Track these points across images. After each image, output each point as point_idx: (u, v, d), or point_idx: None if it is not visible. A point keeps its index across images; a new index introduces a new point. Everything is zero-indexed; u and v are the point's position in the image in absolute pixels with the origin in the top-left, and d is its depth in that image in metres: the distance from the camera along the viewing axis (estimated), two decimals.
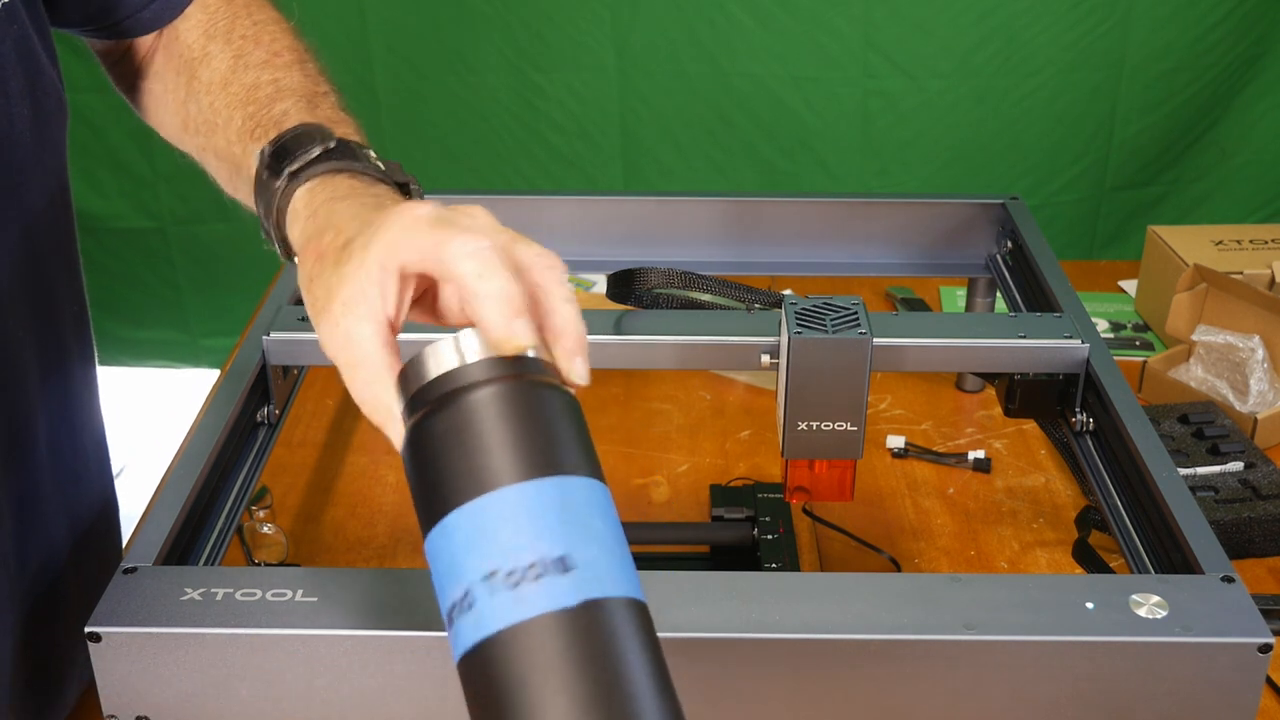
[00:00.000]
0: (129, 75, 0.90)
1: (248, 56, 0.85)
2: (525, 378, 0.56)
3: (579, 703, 0.49)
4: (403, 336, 0.63)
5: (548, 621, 0.51)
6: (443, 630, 0.63)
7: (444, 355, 0.57)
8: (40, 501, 0.84)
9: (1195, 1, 1.95)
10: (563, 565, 0.52)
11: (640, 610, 0.54)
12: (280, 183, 0.71)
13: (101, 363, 0.93)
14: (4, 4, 0.75)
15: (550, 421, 0.56)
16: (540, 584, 0.52)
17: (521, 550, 0.52)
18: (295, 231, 0.70)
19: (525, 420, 0.55)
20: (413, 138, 2.13)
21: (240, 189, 0.80)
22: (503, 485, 0.54)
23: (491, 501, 0.53)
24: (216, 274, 2.29)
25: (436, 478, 0.55)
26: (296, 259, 0.69)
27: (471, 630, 0.53)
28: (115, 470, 0.98)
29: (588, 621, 0.52)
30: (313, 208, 0.68)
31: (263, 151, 0.74)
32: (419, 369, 0.57)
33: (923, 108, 2.04)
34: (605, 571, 0.53)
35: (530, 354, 0.57)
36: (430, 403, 0.56)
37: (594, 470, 0.56)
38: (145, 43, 0.89)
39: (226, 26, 0.88)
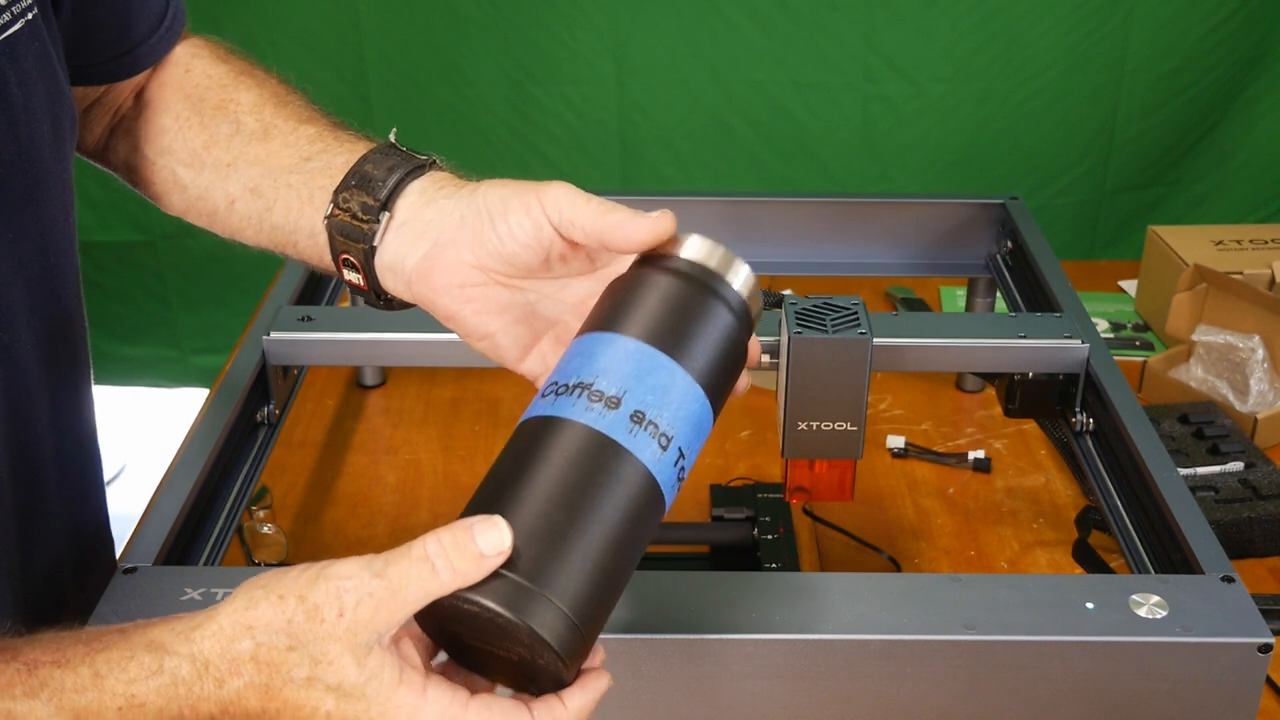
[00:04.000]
0: (102, 120, 0.90)
1: (278, 84, 0.89)
2: (720, 298, 0.67)
3: (554, 483, 0.60)
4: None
5: (582, 429, 0.61)
6: None
7: (700, 250, 0.68)
8: (45, 514, 0.84)
9: (1197, 3, 1.94)
10: (621, 407, 0.62)
11: (648, 484, 0.62)
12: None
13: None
14: (27, 20, 0.75)
15: (706, 334, 0.66)
16: (599, 407, 0.61)
17: (614, 382, 0.62)
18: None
19: (693, 321, 0.66)
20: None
21: (294, 182, 0.81)
22: (643, 340, 0.64)
23: (633, 345, 0.64)
24: (208, 289, 2.25)
25: (624, 307, 0.66)
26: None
27: (540, 407, 0.63)
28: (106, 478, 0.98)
29: (602, 449, 0.60)
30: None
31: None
32: (682, 244, 0.68)
33: (924, 111, 2.04)
34: (644, 444, 0.62)
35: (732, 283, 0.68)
36: (670, 269, 0.67)
37: (708, 385, 0.65)
38: (126, 87, 0.89)
39: (245, 64, 0.90)
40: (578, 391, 0.62)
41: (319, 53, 2.04)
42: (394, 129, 0.80)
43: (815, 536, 1.20)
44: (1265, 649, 0.75)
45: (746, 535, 1.15)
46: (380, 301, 0.77)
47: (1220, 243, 1.57)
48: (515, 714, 0.59)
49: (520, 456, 0.61)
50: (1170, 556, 0.88)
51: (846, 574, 0.82)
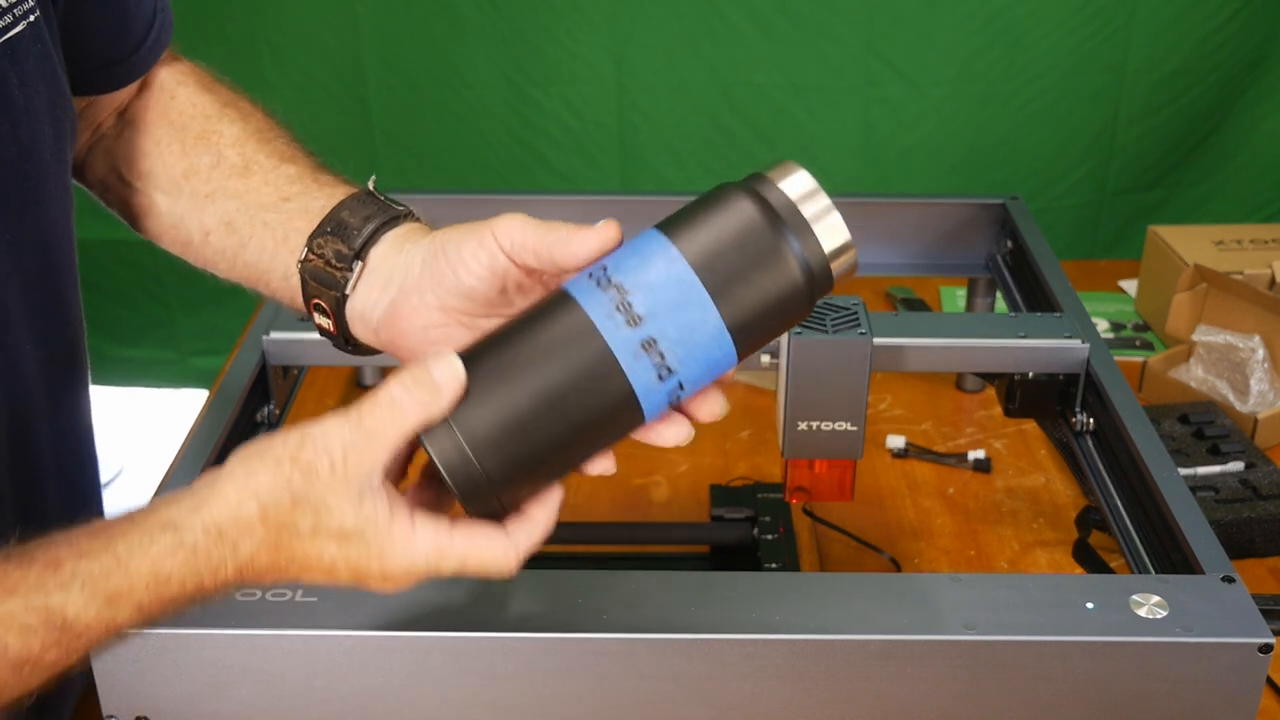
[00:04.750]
0: (82, 136, 0.90)
1: (262, 119, 0.89)
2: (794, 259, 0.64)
3: (533, 362, 0.63)
4: None
5: (585, 319, 0.63)
6: (439, 632, 0.75)
7: (801, 191, 0.65)
8: (44, 514, 0.84)
9: (1198, 4, 1.94)
10: (639, 327, 0.63)
11: (626, 400, 0.63)
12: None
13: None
14: (29, 22, 0.76)
15: (763, 285, 0.64)
16: (620, 318, 0.62)
17: (645, 302, 0.63)
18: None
19: (757, 268, 0.64)
20: (406, 153, 2.11)
21: (270, 221, 0.81)
22: (696, 271, 0.63)
23: (678, 262, 0.63)
24: (207, 291, 2.24)
25: (701, 224, 0.65)
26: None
27: (579, 286, 0.64)
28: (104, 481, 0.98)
29: (598, 355, 0.62)
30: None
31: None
32: (785, 172, 0.66)
33: (925, 114, 2.03)
34: (643, 369, 0.63)
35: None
36: (763, 201, 0.65)
37: (741, 333, 0.64)
38: (109, 103, 0.89)
39: (230, 94, 0.90)
40: (613, 293, 0.63)
41: (318, 55, 2.04)
42: (373, 177, 0.80)
43: (815, 536, 1.20)
44: (1265, 649, 0.75)
45: (746, 535, 1.15)
46: (348, 347, 0.77)
47: (1220, 243, 1.57)
48: (493, 535, 0.65)
49: (530, 320, 0.64)
50: (1170, 556, 0.88)
51: (846, 574, 0.82)
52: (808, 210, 0.65)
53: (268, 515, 0.62)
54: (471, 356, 0.64)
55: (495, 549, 0.64)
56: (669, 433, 0.66)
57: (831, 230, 0.65)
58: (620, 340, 0.63)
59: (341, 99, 2.06)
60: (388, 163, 2.10)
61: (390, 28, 2.02)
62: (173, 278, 2.25)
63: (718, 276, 0.63)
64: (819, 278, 0.65)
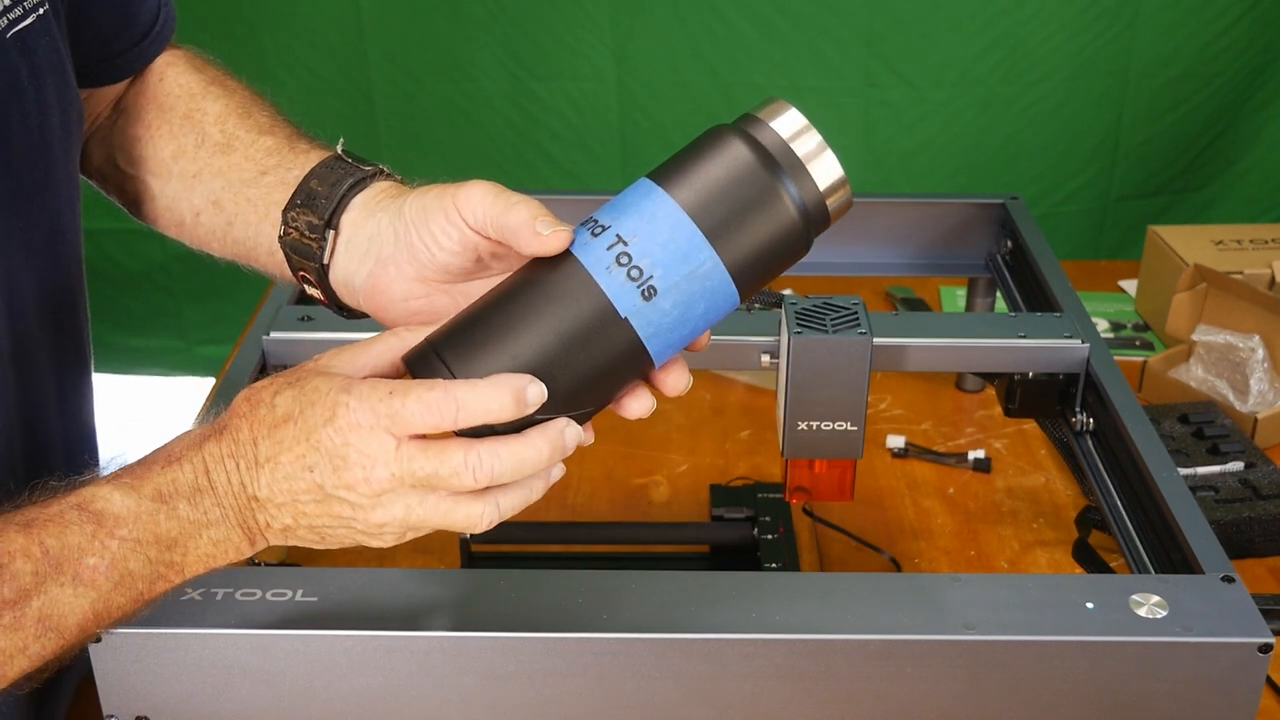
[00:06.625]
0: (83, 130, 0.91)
1: (246, 95, 0.90)
2: (786, 196, 0.65)
3: (507, 294, 0.65)
4: None
5: (582, 271, 0.64)
6: (439, 632, 0.74)
7: (787, 123, 0.68)
8: None
9: (1203, 8, 1.93)
10: (640, 276, 0.63)
11: (634, 346, 0.64)
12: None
13: (96, 369, 0.94)
14: (39, 15, 0.77)
15: (759, 229, 0.64)
16: (614, 267, 0.64)
17: (642, 250, 0.64)
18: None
19: (746, 210, 0.64)
20: (409, 146, 2.12)
21: (252, 196, 0.81)
22: (691, 218, 0.64)
23: (674, 213, 0.64)
24: (214, 281, 2.26)
25: (690, 166, 0.66)
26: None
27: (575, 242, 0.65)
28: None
29: (594, 305, 0.64)
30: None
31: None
32: (775, 111, 0.69)
33: (926, 117, 2.03)
34: (649, 314, 0.64)
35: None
36: (746, 135, 0.66)
37: (740, 275, 0.65)
38: (108, 94, 0.90)
39: (217, 73, 0.90)
40: (592, 224, 0.65)
41: (322, 49, 2.05)
42: (341, 139, 0.80)
43: (815, 536, 1.20)
44: (1265, 649, 0.75)
45: (746, 535, 1.15)
46: (344, 313, 0.78)
47: (1220, 242, 1.57)
48: (431, 380, 0.64)
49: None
50: (1170, 556, 0.88)
51: (846, 574, 0.82)
52: (801, 150, 0.66)
53: (249, 394, 0.66)
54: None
55: (425, 384, 0.63)
56: (634, 405, 0.68)
57: (824, 167, 0.66)
58: (579, 236, 0.65)
59: (345, 93, 2.07)
60: (391, 156, 2.10)
61: (393, 22, 2.03)
62: (180, 267, 2.26)
63: (695, 203, 0.64)
64: (813, 213, 0.65)
